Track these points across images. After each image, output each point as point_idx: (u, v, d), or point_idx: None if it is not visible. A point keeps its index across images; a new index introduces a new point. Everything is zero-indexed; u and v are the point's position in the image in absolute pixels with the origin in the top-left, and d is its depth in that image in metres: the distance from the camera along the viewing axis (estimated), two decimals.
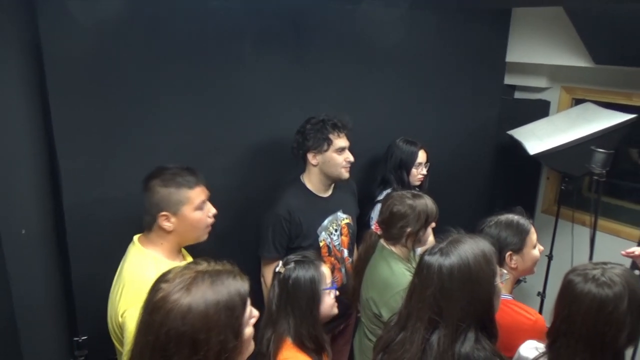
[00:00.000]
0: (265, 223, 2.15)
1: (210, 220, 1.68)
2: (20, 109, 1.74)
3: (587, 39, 2.82)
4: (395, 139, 2.58)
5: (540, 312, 3.12)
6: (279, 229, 2.12)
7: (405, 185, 2.49)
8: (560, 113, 3.23)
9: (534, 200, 3.55)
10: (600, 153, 2.52)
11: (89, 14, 1.76)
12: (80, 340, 1.91)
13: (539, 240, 1.66)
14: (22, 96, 1.75)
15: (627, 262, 1.93)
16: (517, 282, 3.14)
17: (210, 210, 1.68)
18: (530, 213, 3.41)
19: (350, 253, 2.32)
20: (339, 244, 2.26)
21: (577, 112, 3.04)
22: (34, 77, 1.78)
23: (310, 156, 2.14)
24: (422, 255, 1.33)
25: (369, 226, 2.37)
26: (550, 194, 3.49)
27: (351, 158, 2.16)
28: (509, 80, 3.40)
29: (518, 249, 1.63)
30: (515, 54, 3.24)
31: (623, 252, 1.47)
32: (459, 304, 1.22)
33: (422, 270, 1.29)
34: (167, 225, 1.57)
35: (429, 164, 2.59)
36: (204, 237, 1.70)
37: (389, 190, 2.46)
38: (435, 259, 1.27)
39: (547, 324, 1.35)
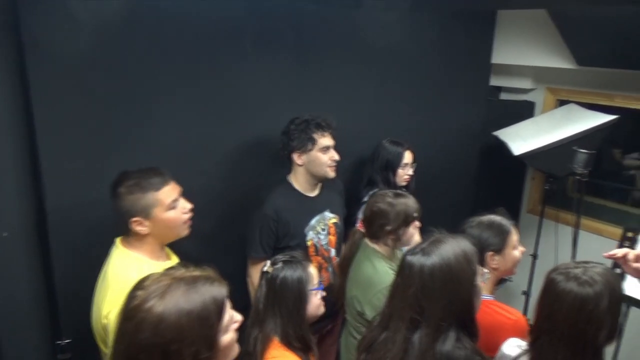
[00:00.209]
0: (253, 223, 2.15)
1: (187, 216, 1.66)
2: (1, 108, 1.71)
3: (570, 41, 2.87)
4: (381, 140, 2.59)
5: (525, 310, 3.15)
6: (266, 229, 2.12)
7: (392, 185, 2.51)
8: (544, 114, 3.27)
9: (520, 201, 3.59)
10: (582, 153, 2.56)
11: (72, 8, 1.73)
12: (63, 344, 1.89)
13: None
14: (3, 95, 1.73)
15: (609, 262, 1.97)
16: (503, 281, 3.20)
17: (185, 206, 1.65)
18: (515, 213, 3.49)
19: (338, 253, 2.33)
20: (326, 244, 2.27)
21: (561, 113, 3.08)
22: (16, 75, 1.75)
23: (295, 156, 2.16)
24: (404, 255, 1.34)
25: (355, 226, 2.37)
26: (535, 194, 3.53)
27: (336, 157, 2.18)
28: (494, 81, 3.44)
29: (499, 249, 1.64)
30: (501, 55, 3.27)
31: (605, 254, 1.49)
32: (440, 303, 1.23)
33: (404, 270, 1.30)
34: (141, 229, 1.56)
35: (415, 164, 2.61)
36: (185, 232, 1.68)
37: (375, 191, 2.47)
38: (417, 259, 1.28)
39: (532, 323, 1.36)
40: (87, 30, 1.80)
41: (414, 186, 2.62)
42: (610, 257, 1.48)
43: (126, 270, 1.52)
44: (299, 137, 2.11)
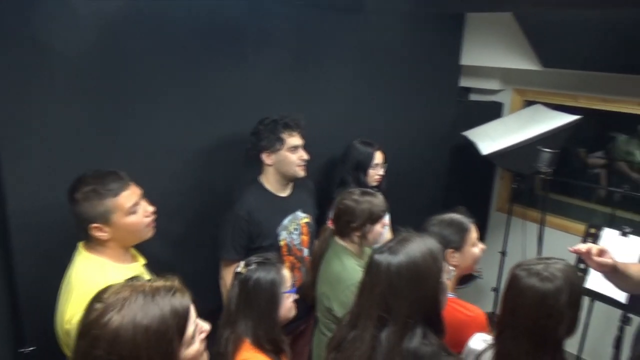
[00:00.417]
0: (225, 224, 2.14)
1: (149, 219, 1.61)
2: None
3: (535, 44, 2.94)
4: (352, 140, 2.61)
5: (495, 306, 3.22)
6: (238, 230, 2.11)
7: (363, 185, 2.52)
8: (512, 114, 3.35)
9: (489, 199, 3.66)
10: (546, 152, 2.64)
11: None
12: (27, 352, 1.83)
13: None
14: None
15: (574, 256, 2.02)
16: (473, 278, 3.26)
17: (147, 209, 1.61)
18: (485, 211, 3.55)
19: (311, 252, 2.33)
20: (299, 243, 2.27)
21: (527, 114, 3.16)
22: None
23: (264, 156, 2.16)
24: (371, 254, 1.35)
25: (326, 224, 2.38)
26: (503, 192, 3.61)
27: (305, 156, 2.18)
28: (464, 82, 3.51)
29: (458, 246, 1.67)
30: (469, 57, 3.34)
31: (570, 249, 1.54)
32: (407, 301, 1.24)
33: (372, 269, 1.31)
34: (101, 235, 1.51)
35: (386, 164, 2.63)
36: (148, 235, 1.64)
37: None
38: (384, 258, 1.29)
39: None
40: (55, 25, 1.74)
41: (386, 186, 2.65)
42: (575, 251, 1.53)
43: (91, 274, 1.48)
44: (267, 137, 2.11)
